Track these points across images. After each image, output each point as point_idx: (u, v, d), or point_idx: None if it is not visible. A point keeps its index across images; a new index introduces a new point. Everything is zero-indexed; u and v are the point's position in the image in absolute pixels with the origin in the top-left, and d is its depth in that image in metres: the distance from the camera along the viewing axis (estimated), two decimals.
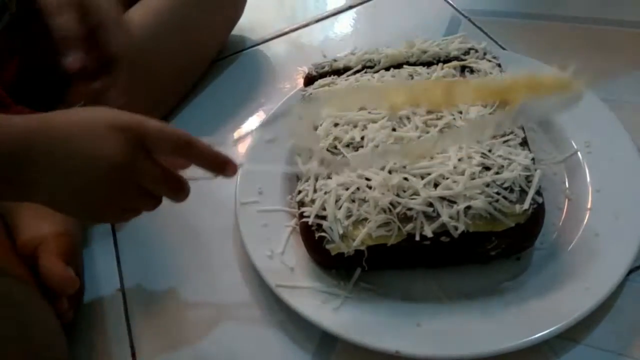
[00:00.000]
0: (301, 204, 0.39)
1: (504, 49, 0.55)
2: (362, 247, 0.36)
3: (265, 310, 0.40)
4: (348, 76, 0.46)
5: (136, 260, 0.45)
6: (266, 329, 0.39)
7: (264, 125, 0.49)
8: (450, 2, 0.62)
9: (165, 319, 0.41)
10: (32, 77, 0.48)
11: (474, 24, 0.59)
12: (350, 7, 0.65)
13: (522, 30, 0.58)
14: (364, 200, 0.37)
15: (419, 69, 0.45)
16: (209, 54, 0.59)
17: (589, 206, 0.41)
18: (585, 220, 0.40)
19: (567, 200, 0.42)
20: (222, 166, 0.37)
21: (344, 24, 0.63)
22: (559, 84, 0.31)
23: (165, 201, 0.48)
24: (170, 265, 0.44)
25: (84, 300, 0.42)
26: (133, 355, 0.40)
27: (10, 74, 0.49)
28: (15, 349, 0.33)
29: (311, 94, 0.45)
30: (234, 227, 0.44)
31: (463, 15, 0.60)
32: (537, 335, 0.34)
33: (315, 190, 0.38)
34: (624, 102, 0.48)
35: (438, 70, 0.44)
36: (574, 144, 0.44)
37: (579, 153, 0.44)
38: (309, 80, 0.47)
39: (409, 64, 0.46)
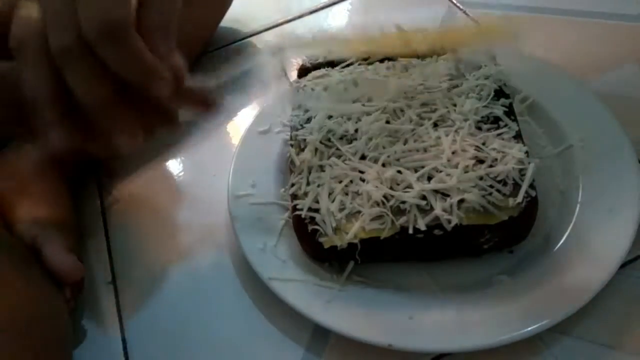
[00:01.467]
0: (294, 196, 0.39)
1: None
2: (355, 240, 0.36)
3: (258, 303, 0.40)
4: (342, 68, 0.45)
5: (128, 253, 0.45)
6: (259, 322, 0.39)
7: (257, 116, 0.49)
8: None
9: (158, 313, 0.41)
10: None
11: (469, 16, 0.59)
12: None
13: (519, 23, 0.57)
14: (357, 194, 0.37)
15: (414, 60, 0.45)
16: (197, 44, 0.58)
17: (582, 200, 0.41)
18: (579, 214, 0.40)
19: (560, 194, 0.42)
20: (204, 100, 0.32)
21: (338, 16, 0.63)
22: (494, 29, 0.39)
23: (157, 199, 0.48)
24: (162, 259, 0.44)
25: None
26: (124, 348, 0.39)
27: None
28: (24, 330, 0.32)
29: (305, 85, 0.45)
30: (227, 220, 0.43)
31: (458, 7, 0.60)
32: (529, 329, 0.34)
33: (308, 183, 0.38)
34: (618, 96, 0.48)
35: (433, 63, 0.44)
36: (568, 137, 0.44)
37: (573, 147, 0.43)
38: (303, 72, 0.47)
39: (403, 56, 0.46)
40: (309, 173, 0.39)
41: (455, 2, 0.61)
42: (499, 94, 0.42)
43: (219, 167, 0.48)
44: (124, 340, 0.40)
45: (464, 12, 0.59)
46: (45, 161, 0.45)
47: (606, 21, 0.56)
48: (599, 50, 0.53)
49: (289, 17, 0.63)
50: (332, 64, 0.47)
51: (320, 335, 0.38)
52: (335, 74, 0.45)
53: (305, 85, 0.45)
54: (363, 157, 0.38)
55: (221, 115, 0.51)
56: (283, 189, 0.43)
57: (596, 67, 0.50)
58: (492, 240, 0.37)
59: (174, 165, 0.51)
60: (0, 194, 0.42)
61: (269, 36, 0.62)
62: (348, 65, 0.46)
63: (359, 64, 0.45)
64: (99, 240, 0.46)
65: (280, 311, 0.38)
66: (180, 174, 0.50)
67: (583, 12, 0.57)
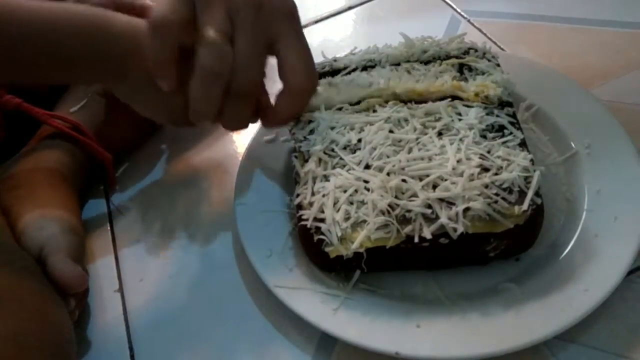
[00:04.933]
0: (299, 207, 0.39)
1: (503, 50, 0.55)
2: (361, 250, 0.36)
3: (265, 311, 0.40)
4: (344, 75, 0.46)
5: (135, 261, 0.45)
6: (265, 331, 0.39)
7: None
8: (450, 2, 0.62)
9: (165, 321, 0.41)
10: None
11: (473, 25, 0.59)
12: (350, 8, 0.65)
13: (522, 31, 0.57)
14: (362, 203, 0.37)
15: (417, 65, 0.45)
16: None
17: (588, 207, 0.40)
18: (585, 222, 0.40)
19: (566, 201, 0.42)
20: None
21: (343, 25, 0.63)
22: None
23: (164, 208, 0.48)
24: (169, 267, 0.44)
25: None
26: (132, 356, 0.39)
27: None
28: (33, 341, 0.33)
29: None
30: (234, 228, 0.43)
31: (462, 16, 0.60)
32: (536, 337, 0.34)
33: (313, 193, 0.38)
34: (623, 103, 0.48)
35: (436, 67, 0.44)
36: (573, 145, 0.44)
37: (578, 154, 0.44)
38: None
39: (408, 62, 0.46)
40: (314, 183, 0.39)
41: (459, 11, 0.61)
42: (503, 102, 0.42)
43: (226, 176, 0.49)
44: (131, 349, 0.40)
45: (468, 20, 0.59)
46: (54, 169, 0.45)
47: (611, 29, 0.55)
48: (604, 58, 0.53)
49: None
50: (338, 72, 0.47)
51: (326, 343, 0.38)
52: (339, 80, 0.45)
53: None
54: (367, 167, 0.38)
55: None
56: (289, 198, 0.43)
57: (601, 75, 0.50)
58: (498, 248, 0.37)
59: (181, 175, 0.51)
60: (8, 203, 0.42)
61: None
62: (350, 73, 0.46)
63: (361, 70, 0.46)
64: (106, 248, 0.46)
65: (286, 319, 0.39)
66: (187, 183, 0.50)
67: (588, 20, 0.57)
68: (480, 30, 0.58)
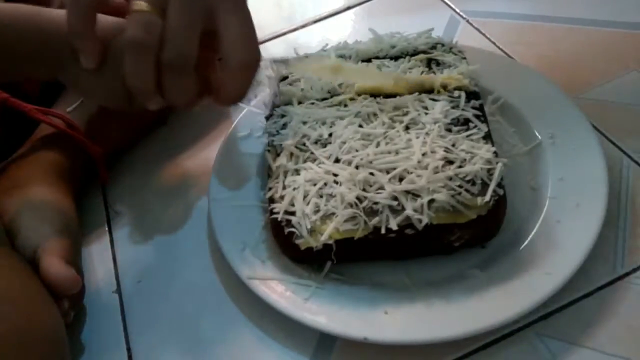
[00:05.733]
0: (271, 200, 0.40)
1: (503, 50, 0.55)
2: (330, 241, 0.37)
3: (256, 320, 0.40)
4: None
5: (133, 262, 0.45)
6: (259, 337, 0.39)
7: (238, 121, 0.50)
8: (448, 2, 0.61)
9: (163, 322, 0.41)
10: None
11: (472, 25, 0.58)
12: (349, 8, 0.64)
13: (521, 31, 0.57)
14: (331, 196, 0.38)
15: (386, 61, 0.46)
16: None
17: (551, 195, 0.42)
18: (548, 209, 0.41)
19: (531, 189, 0.43)
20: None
21: (343, 25, 0.63)
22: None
23: (156, 208, 0.48)
24: (168, 268, 0.44)
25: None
26: (130, 357, 0.40)
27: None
28: (20, 343, 0.33)
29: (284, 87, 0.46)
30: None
31: (461, 16, 0.60)
32: (496, 321, 0.36)
33: (284, 187, 0.40)
34: (622, 103, 0.48)
35: (405, 63, 0.46)
36: (538, 135, 0.46)
37: (543, 144, 0.45)
38: (282, 77, 0.48)
39: (378, 58, 0.47)
40: (285, 177, 0.40)
41: (458, 11, 0.60)
42: (470, 95, 0.43)
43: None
44: (128, 350, 0.40)
45: (467, 20, 0.59)
46: (50, 170, 0.45)
47: (608, 29, 0.55)
48: (603, 58, 0.52)
49: (293, 27, 0.63)
50: None
51: (325, 343, 0.38)
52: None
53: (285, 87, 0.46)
54: (337, 160, 0.40)
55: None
56: (263, 192, 0.45)
57: (601, 75, 0.51)
58: (462, 238, 0.39)
59: (179, 176, 0.51)
60: (3, 204, 0.42)
61: (272, 45, 0.61)
62: None
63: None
64: (105, 249, 0.46)
65: (281, 325, 0.39)
66: (185, 184, 0.50)
67: (584, 20, 0.56)
68: (479, 30, 0.58)
